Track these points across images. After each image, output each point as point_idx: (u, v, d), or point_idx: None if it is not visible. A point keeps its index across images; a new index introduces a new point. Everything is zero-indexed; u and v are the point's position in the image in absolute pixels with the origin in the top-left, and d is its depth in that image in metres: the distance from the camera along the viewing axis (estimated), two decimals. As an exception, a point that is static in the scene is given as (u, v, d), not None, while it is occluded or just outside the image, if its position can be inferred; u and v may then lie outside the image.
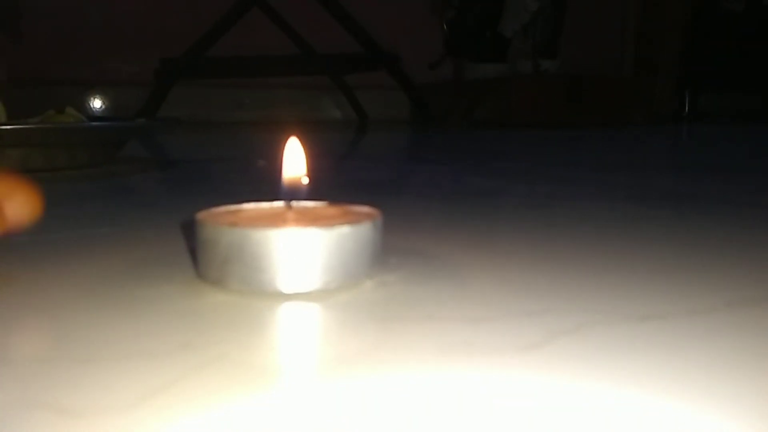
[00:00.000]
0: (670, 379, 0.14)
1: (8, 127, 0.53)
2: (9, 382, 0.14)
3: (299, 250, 0.20)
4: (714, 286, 0.22)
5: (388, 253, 0.24)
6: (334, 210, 0.25)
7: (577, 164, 0.71)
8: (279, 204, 0.25)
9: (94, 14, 1.60)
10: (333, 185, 0.52)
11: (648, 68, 1.98)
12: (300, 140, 0.25)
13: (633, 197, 0.46)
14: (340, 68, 1.64)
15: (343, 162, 0.81)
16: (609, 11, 2.07)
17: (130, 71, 1.64)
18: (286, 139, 0.25)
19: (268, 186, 0.27)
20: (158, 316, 0.19)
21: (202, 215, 0.22)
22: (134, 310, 0.19)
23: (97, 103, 1.68)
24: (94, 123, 0.69)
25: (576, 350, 0.16)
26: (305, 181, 0.25)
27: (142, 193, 0.52)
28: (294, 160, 0.25)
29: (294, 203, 0.24)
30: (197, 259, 0.22)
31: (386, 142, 1.21)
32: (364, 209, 0.24)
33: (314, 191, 0.25)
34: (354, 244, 0.21)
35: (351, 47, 1.55)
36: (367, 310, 0.19)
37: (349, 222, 0.21)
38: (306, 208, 0.25)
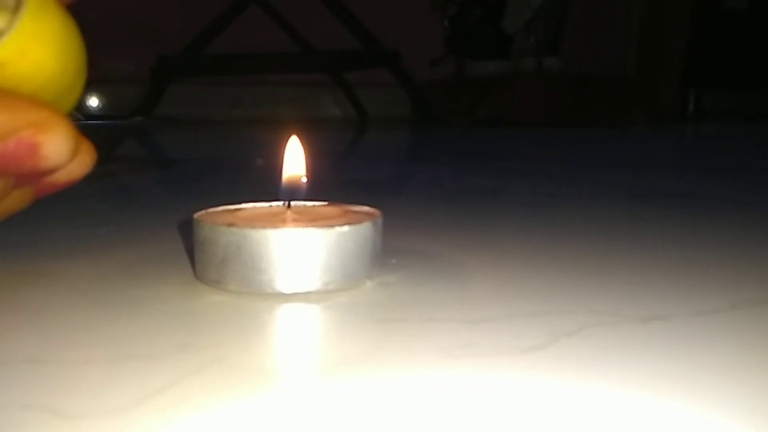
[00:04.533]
0: (673, 381, 0.14)
1: None
2: (4, 384, 0.14)
3: (298, 250, 0.20)
4: (718, 287, 0.22)
5: (388, 254, 0.24)
6: (333, 210, 0.24)
7: (580, 163, 0.71)
8: (278, 204, 0.25)
9: (90, 11, 1.59)
10: (332, 184, 0.52)
11: (652, 67, 1.98)
12: (299, 139, 0.25)
13: (637, 197, 0.46)
14: (339, 65, 1.64)
15: (343, 161, 0.81)
16: (612, 9, 2.07)
17: (127, 69, 1.64)
18: (285, 138, 0.25)
19: (267, 185, 0.27)
20: (156, 317, 0.19)
21: (199, 215, 0.22)
22: (131, 310, 0.19)
23: (93, 102, 1.67)
24: (90, 121, 0.69)
25: (579, 352, 0.16)
26: (304, 180, 0.24)
27: (138, 193, 0.51)
28: (293, 159, 0.25)
29: (293, 203, 0.24)
30: (195, 260, 0.22)
31: (387, 140, 1.21)
32: (364, 209, 0.24)
33: (313, 191, 0.25)
34: (354, 244, 0.21)
35: (351, 44, 1.55)
36: (368, 312, 0.19)
37: (349, 222, 0.21)
38: (305, 208, 0.25)
